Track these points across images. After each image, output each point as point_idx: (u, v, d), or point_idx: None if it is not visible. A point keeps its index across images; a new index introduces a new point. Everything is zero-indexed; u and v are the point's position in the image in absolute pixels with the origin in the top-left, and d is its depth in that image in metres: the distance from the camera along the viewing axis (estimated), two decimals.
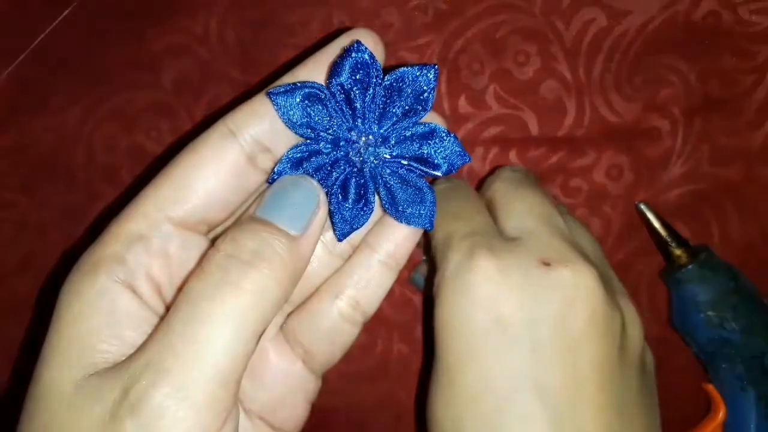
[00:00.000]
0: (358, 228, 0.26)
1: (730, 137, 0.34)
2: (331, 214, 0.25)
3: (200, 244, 0.24)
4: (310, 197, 0.24)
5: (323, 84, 0.24)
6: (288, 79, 0.24)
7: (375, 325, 0.35)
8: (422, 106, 0.24)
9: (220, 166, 0.24)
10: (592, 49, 0.33)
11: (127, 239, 0.23)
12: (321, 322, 0.27)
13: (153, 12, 0.34)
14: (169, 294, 0.24)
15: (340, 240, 0.26)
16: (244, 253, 0.22)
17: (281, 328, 0.27)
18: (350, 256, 0.28)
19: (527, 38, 0.33)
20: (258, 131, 0.24)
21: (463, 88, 0.34)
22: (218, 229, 0.26)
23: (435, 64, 0.24)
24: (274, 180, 0.24)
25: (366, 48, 0.23)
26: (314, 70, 0.24)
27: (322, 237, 0.27)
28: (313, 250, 0.24)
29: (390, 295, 0.35)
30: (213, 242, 0.23)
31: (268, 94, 0.24)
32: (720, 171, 0.34)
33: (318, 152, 0.25)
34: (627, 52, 0.33)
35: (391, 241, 0.27)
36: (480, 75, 0.34)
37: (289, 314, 0.28)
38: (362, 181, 0.25)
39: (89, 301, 0.22)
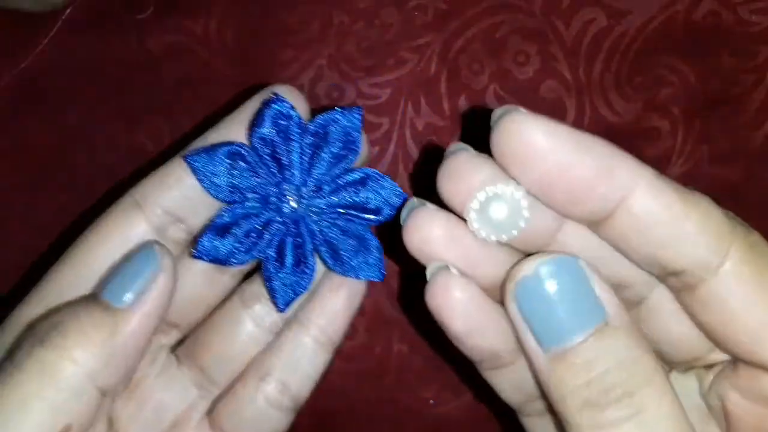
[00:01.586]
0: (300, 294, 0.24)
1: (730, 137, 0.34)
2: (268, 282, 0.23)
3: None
4: (144, 264, 0.21)
5: (243, 142, 0.23)
6: (200, 143, 0.23)
7: (375, 325, 0.35)
8: (351, 149, 0.23)
9: (126, 242, 0.22)
10: (592, 49, 0.33)
11: (18, 330, 0.22)
12: (246, 408, 0.24)
13: (153, 12, 0.34)
14: None
15: (281, 310, 0.24)
16: (44, 329, 0.20)
17: (208, 413, 0.25)
18: (280, 331, 0.25)
19: (527, 38, 0.33)
20: (168, 201, 0.22)
21: (463, 88, 0.34)
22: None
23: (359, 106, 0.23)
24: (199, 254, 0.22)
25: (285, 98, 0.22)
26: (227, 132, 0.23)
27: (249, 309, 0.25)
28: (149, 328, 0.21)
29: (390, 294, 0.35)
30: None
31: (185, 158, 0.22)
32: (720, 171, 0.34)
33: (246, 215, 0.23)
34: (627, 52, 0.33)
35: (324, 316, 0.25)
36: (480, 75, 0.34)
37: (216, 398, 0.25)
38: (299, 240, 0.24)
39: None
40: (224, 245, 0.23)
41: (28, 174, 0.35)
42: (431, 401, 0.35)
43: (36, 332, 0.20)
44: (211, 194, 0.23)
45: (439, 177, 0.20)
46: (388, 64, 0.34)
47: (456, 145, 0.21)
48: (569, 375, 0.18)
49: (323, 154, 0.23)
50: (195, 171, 0.22)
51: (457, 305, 0.20)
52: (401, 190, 0.24)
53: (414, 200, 0.21)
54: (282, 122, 0.22)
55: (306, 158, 0.23)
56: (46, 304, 0.22)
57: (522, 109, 0.19)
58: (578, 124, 0.34)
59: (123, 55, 0.34)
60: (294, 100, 0.23)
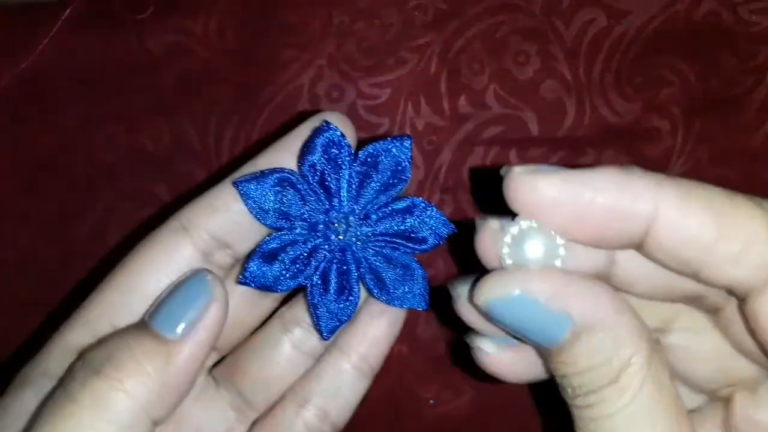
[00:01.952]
0: (344, 321, 0.24)
1: (730, 137, 0.34)
2: (313, 309, 0.23)
3: None
4: (197, 293, 0.21)
5: (292, 168, 0.23)
6: (249, 168, 0.23)
7: None
8: (400, 178, 0.23)
9: (172, 267, 0.22)
10: (592, 49, 0.33)
11: (62, 353, 0.21)
12: None
13: (153, 12, 0.34)
14: None
15: (325, 338, 0.24)
16: (96, 359, 0.19)
17: None
18: (320, 356, 0.25)
19: (527, 38, 0.33)
20: (214, 225, 0.22)
21: (463, 88, 0.34)
22: None
23: (408, 135, 0.23)
24: (246, 280, 0.22)
25: (336, 126, 0.22)
26: (276, 158, 0.23)
27: (289, 333, 0.25)
28: (202, 358, 0.21)
29: None
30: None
31: (235, 184, 0.22)
32: (720, 171, 0.34)
33: (293, 242, 0.23)
34: (627, 52, 0.33)
35: (365, 343, 0.25)
36: (480, 75, 0.34)
37: (255, 422, 0.25)
38: (344, 267, 0.24)
39: (13, 416, 0.21)
40: (271, 271, 0.23)
41: (28, 174, 0.35)
42: (431, 401, 0.35)
43: (88, 363, 0.20)
44: (259, 220, 0.23)
45: (477, 243, 0.21)
46: (388, 64, 0.34)
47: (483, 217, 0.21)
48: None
49: (372, 183, 0.23)
50: (244, 197, 0.22)
51: None
52: (447, 219, 0.24)
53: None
54: (333, 150, 0.22)
55: (354, 186, 0.23)
56: (91, 328, 0.21)
57: (518, 169, 0.19)
58: (578, 124, 0.34)
59: (123, 55, 0.34)
60: (343, 127, 0.23)
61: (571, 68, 0.33)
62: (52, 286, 0.35)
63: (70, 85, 0.35)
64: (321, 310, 0.23)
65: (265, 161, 0.23)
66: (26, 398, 0.21)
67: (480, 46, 0.34)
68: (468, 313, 0.22)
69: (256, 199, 0.22)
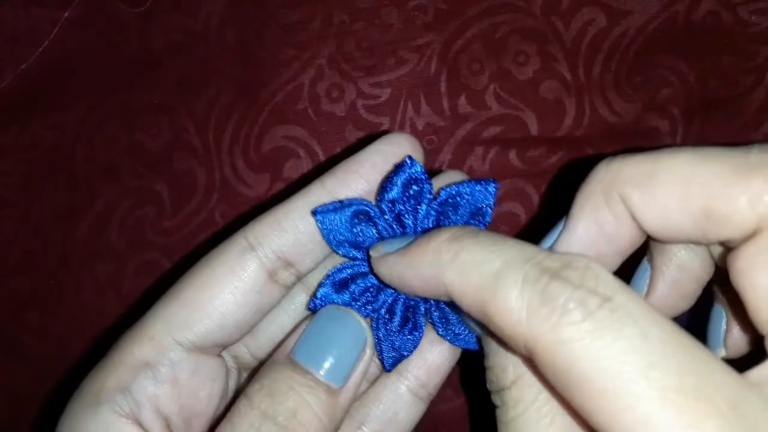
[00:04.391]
0: (408, 355, 0.24)
1: (729, 137, 0.34)
2: (378, 341, 0.23)
3: (213, 366, 0.23)
4: (356, 341, 0.22)
5: (371, 201, 0.23)
6: (318, 189, 0.23)
7: None
8: (479, 220, 0.23)
9: (237, 284, 0.22)
10: (592, 49, 0.33)
11: (133, 367, 0.21)
12: None
13: (154, 11, 0.34)
14: (177, 427, 0.22)
15: (388, 370, 0.24)
16: (280, 415, 0.20)
17: None
18: (376, 379, 0.25)
19: (527, 38, 0.33)
20: (281, 245, 0.22)
21: (463, 88, 0.34)
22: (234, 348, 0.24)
23: (494, 180, 0.23)
24: (316, 306, 0.22)
25: (418, 163, 0.22)
26: (347, 180, 0.23)
27: None
28: (355, 398, 0.22)
29: None
30: (222, 356, 0.22)
31: (314, 213, 0.22)
32: None
33: (365, 273, 0.23)
34: (627, 52, 0.33)
35: (425, 369, 0.25)
36: (480, 75, 0.34)
37: None
38: (412, 302, 0.23)
39: None
40: (341, 299, 0.23)
41: (28, 173, 0.35)
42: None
43: (271, 418, 0.20)
44: (334, 249, 0.23)
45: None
46: (389, 63, 0.34)
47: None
48: None
49: (449, 222, 0.23)
50: (321, 226, 0.22)
51: None
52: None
53: None
54: (413, 188, 0.22)
55: (430, 224, 0.23)
56: (158, 344, 0.22)
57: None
58: (578, 124, 0.34)
59: (123, 55, 0.34)
60: (413, 149, 0.23)
61: (570, 68, 0.33)
62: (52, 285, 0.35)
63: (70, 85, 0.35)
64: (386, 344, 0.23)
65: (332, 182, 0.23)
66: (106, 415, 0.21)
67: (480, 46, 0.34)
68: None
69: (332, 229, 0.22)
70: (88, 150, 0.35)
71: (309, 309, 0.23)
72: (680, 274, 0.22)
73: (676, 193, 0.18)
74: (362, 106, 0.34)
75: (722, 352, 0.23)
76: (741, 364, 0.17)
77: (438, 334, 0.24)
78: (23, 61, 0.34)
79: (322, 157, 0.34)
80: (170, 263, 0.34)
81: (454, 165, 0.34)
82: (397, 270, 0.21)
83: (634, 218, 0.19)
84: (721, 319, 0.23)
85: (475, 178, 0.23)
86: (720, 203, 0.18)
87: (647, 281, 0.23)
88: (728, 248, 0.19)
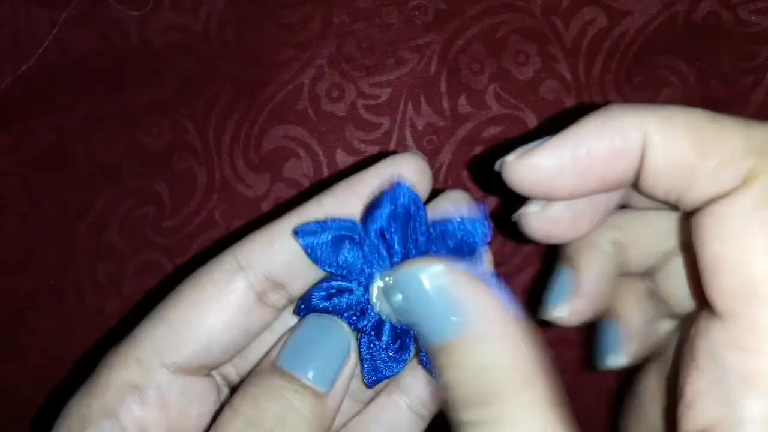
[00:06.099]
0: (390, 377, 0.23)
1: None
2: (362, 360, 0.23)
3: (202, 387, 0.22)
4: (341, 347, 0.21)
5: (357, 221, 0.22)
6: (314, 207, 0.22)
7: None
8: (468, 250, 0.22)
9: (225, 306, 0.21)
10: (592, 49, 0.33)
11: (119, 390, 0.21)
12: None
13: (154, 10, 0.34)
14: None
15: (368, 387, 0.23)
16: (266, 420, 0.19)
17: None
18: (372, 399, 0.25)
19: (527, 38, 0.33)
20: (271, 266, 0.22)
21: (463, 88, 0.34)
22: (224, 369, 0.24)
23: (485, 222, 0.22)
24: (301, 312, 0.22)
25: (411, 192, 0.21)
26: (344, 200, 0.22)
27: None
28: (341, 405, 0.21)
29: None
30: (211, 376, 0.21)
31: (295, 233, 0.21)
32: None
33: (351, 289, 0.22)
34: (627, 52, 0.33)
35: (425, 386, 0.24)
36: (480, 75, 0.34)
37: None
38: (399, 328, 0.23)
39: None
40: (328, 305, 0.22)
41: (28, 173, 0.35)
42: None
43: (257, 424, 0.20)
44: (320, 267, 0.22)
45: None
46: (389, 63, 0.34)
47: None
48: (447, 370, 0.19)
49: (439, 251, 0.22)
50: (303, 246, 0.22)
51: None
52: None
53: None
54: (401, 215, 0.21)
55: (420, 251, 0.22)
56: (145, 366, 0.21)
57: (510, 157, 0.21)
58: None
59: (123, 54, 0.34)
60: (419, 173, 0.22)
61: (571, 68, 0.33)
62: (52, 285, 0.35)
63: (70, 85, 0.35)
64: (368, 363, 0.23)
65: (329, 201, 0.22)
66: None
67: (480, 46, 0.34)
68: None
69: (313, 250, 0.22)
70: (88, 150, 0.35)
71: (295, 313, 0.23)
72: (606, 268, 0.23)
73: (690, 138, 0.19)
74: (362, 106, 0.34)
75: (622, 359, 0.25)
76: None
77: (420, 361, 0.23)
78: (23, 61, 0.34)
79: (322, 157, 0.34)
80: (170, 263, 0.34)
81: (454, 165, 0.34)
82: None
83: (642, 155, 0.20)
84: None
85: (467, 217, 0.22)
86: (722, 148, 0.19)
87: (569, 285, 0.23)
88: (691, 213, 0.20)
